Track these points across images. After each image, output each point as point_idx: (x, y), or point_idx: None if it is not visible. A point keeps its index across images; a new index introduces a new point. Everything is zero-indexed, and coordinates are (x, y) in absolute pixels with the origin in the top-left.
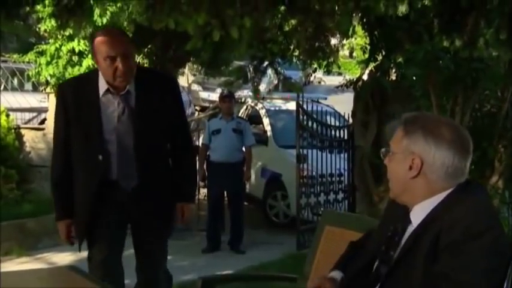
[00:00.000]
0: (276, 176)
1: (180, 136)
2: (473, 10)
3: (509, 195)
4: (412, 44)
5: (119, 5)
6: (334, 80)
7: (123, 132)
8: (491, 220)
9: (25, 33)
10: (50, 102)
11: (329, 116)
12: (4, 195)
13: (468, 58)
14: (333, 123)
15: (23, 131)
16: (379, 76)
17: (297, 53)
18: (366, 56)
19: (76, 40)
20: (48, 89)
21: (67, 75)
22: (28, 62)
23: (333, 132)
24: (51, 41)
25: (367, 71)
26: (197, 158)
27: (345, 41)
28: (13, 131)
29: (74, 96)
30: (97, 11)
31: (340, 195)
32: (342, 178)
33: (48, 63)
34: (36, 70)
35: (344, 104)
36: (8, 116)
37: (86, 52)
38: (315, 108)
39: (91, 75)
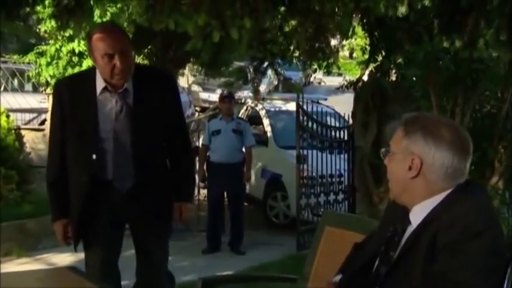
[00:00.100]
0: (276, 177)
1: (178, 136)
2: (473, 11)
3: (509, 195)
4: (412, 45)
5: (119, 5)
6: (334, 81)
7: (120, 130)
8: (490, 220)
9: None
10: (50, 103)
11: (329, 117)
12: (4, 196)
13: (468, 59)
14: (333, 124)
15: (23, 132)
16: (379, 77)
17: (297, 54)
18: (366, 56)
19: (76, 41)
20: (48, 90)
21: None
22: (28, 63)
23: (333, 133)
24: (51, 41)
25: (367, 72)
26: (197, 158)
27: (345, 42)
28: (13, 131)
29: (71, 94)
30: (97, 12)
31: (340, 196)
32: (342, 179)
33: (48, 64)
34: (36, 71)
35: (344, 104)
36: (8, 116)
37: (86, 53)
38: (315, 109)
39: (88, 73)
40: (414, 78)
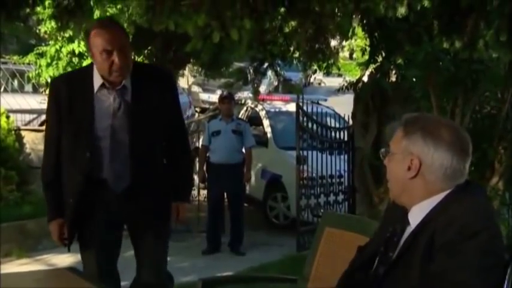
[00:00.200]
0: (276, 178)
1: (177, 136)
2: (473, 11)
3: (509, 196)
4: (412, 46)
5: (119, 6)
6: (334, 82)
7: (118, 128)
8: (488, 220)
9: (25, 35)
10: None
11: (329, 118)
12: (4, 196)
13: (468, 59)
14: (333, 125)
15: (23, 133)
16: (379, 77)
17: (297, 55)
18: (366, 57)
19: (76, 42)
20: (48, 91)
21: None
22: (28, 64)
23: (333, 134)
24: (51, 42)
25: (367, 73)
26: (197, 159)
27: (345, 43)
28: (13, 132)
29: (68, 91)
30: (97, 13)
31: (340, 197)
32: (342, 179)
33: (48, 65)
34: (36, 72)
35: (344, 105)
36: (8, 117)
37: (86, 54)
38: (315, 109)
39: (85, 70)
40: (414, 79)
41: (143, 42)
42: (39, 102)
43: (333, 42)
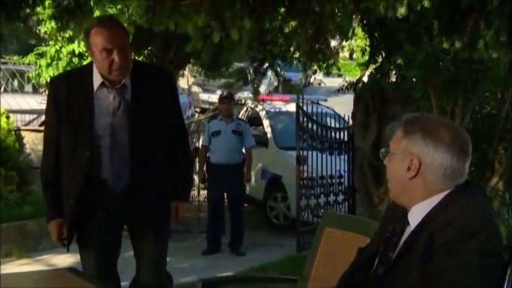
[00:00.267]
0: (276, 178)
1: (177, 136)
2: (473, 11)
3: (509, 196)
4: (412, 46)
5: (119, 6)
6: (334, 82)
7: (117, 127)
8: (487, 220)
9: (25, 35)
10: None
11: (329, 118)
12: (4, 197)
13: (468, 60)
14: (333, 125)
15: (23, 133)
16: (379, 78)
17: (297, 55)
18: (366, 57)
19: (76, 42)
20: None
21: None
22: (28, 64)
23: (333, 134)
24: (51, 42)
25: (367, 73)
26: (197, 159)
27: (345, 43)
28: (13, 132)
29: (67, 90)
30: (97, 13)
31: (340, 197)
32: (342, 180)
33: (48, 65)
34: (37, 72)
35: (344, 105)
36: (8, 117)
37: (86, 54)
38: (315, 109)
39: (85, 69)
40: (414, 79)
41: (143, 43)
42: (39, 102)
43: (333, 43)
